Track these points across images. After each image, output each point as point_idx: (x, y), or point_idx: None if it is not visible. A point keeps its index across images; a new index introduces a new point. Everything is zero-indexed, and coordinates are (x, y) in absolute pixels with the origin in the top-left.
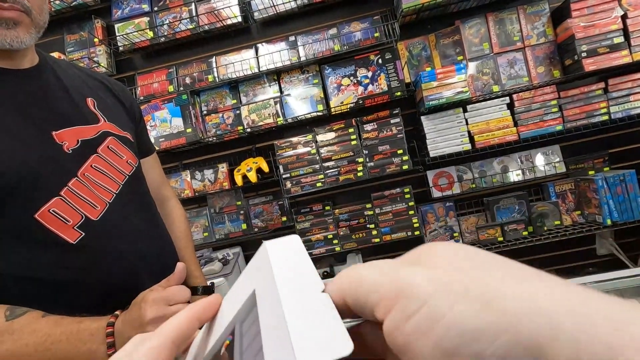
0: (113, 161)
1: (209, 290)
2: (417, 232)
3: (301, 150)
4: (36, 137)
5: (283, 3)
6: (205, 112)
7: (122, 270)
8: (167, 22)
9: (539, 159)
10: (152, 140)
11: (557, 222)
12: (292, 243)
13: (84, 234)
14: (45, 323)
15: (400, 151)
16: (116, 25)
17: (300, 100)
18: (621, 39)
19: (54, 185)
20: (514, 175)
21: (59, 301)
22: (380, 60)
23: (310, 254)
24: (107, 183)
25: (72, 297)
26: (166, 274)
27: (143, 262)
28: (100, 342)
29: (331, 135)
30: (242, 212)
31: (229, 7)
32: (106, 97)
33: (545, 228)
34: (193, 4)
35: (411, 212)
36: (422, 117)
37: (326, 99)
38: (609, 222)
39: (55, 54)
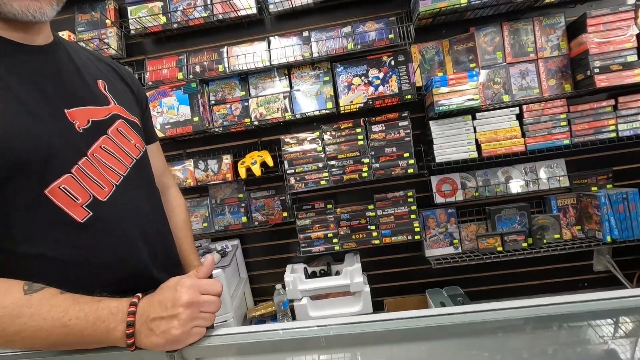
0: (122, 144)
1: None
2: (417, 237)
3: (307, 146)
4: (49, 113)
5: None
6: (213, 102)
7: (127, 251)
8: (181, 8)
9: (543, 172)
10: (158, 127)
11: (557, 236)
12: None
13: (91, 213)
14: (63, 299)
15: (406, 154)
16: (129, 8)
17: (310, 96)
18: (634, 58)
19: (65, 162)
20: (517, 186)
21: (67, 280)
22: (392, 62)
23: (308, 252)
24: (115, 165)
25: (79, 276)
26: (167, 258)
27: (148, 245)
28: (119, 320)
29: (338, 133)
30: (243, 204)
31: None
32: (115, 81)
33: (545, 241)
34: None
35: (413, 216)
36: (431, 122)
37: (336, 97)
38: (608, 239)
39: (65, 33)
